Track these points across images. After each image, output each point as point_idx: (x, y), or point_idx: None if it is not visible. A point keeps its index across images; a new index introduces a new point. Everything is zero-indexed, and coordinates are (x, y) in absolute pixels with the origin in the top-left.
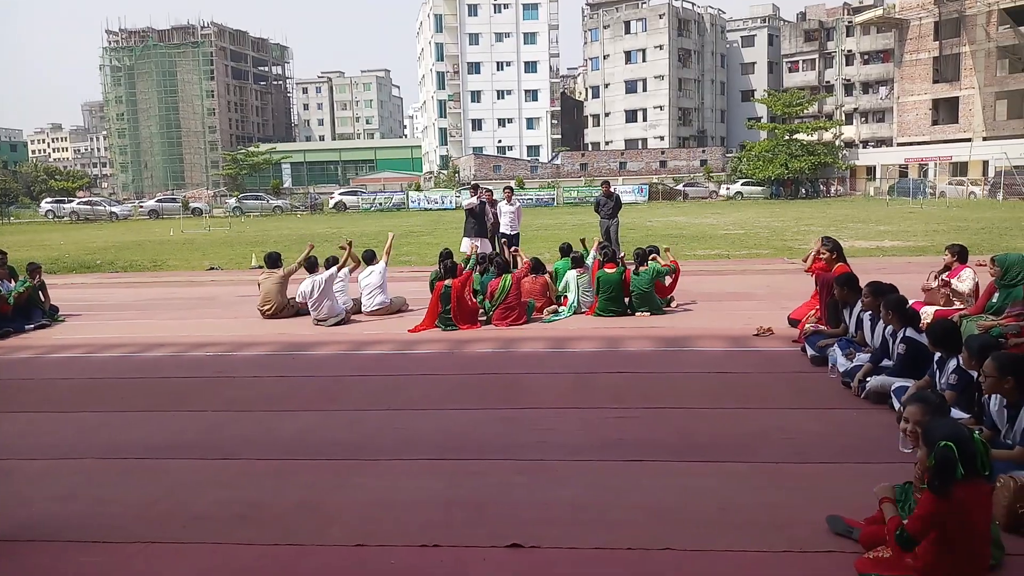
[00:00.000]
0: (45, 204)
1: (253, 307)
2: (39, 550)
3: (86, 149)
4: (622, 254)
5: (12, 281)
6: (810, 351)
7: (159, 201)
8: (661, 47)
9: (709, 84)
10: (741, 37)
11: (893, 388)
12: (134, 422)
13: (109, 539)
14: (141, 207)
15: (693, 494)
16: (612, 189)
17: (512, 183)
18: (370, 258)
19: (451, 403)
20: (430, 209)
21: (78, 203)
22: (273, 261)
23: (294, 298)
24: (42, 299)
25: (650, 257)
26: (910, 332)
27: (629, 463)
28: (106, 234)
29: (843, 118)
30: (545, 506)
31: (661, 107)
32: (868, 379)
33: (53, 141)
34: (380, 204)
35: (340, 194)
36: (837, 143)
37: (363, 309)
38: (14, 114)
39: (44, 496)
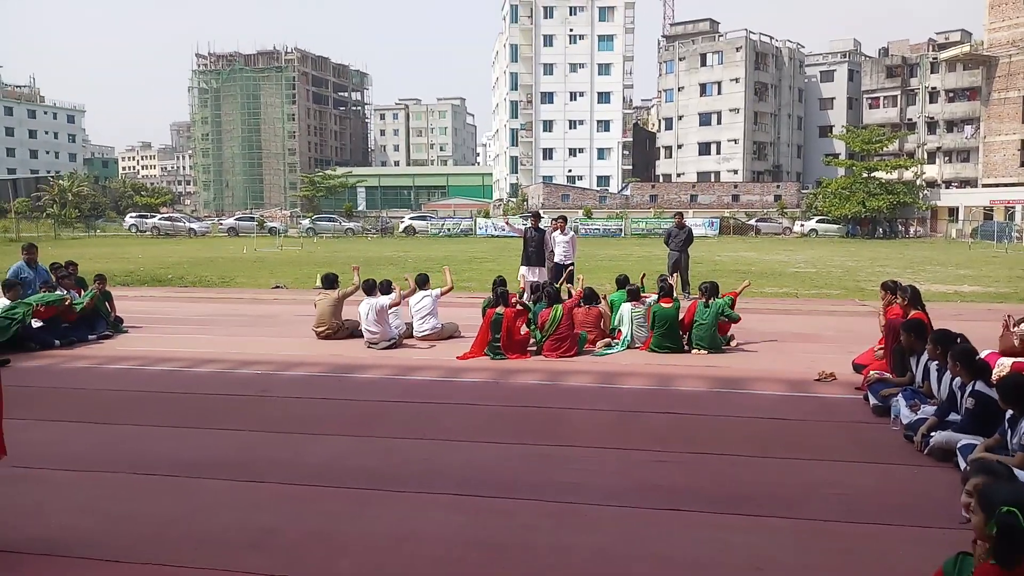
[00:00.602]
0: (129, 219)
1: (310, 327)
2: (47, 565)
3: (172, 167)
4: (688, 291)
5: (80, 292)
6: (872, 400)
7: (238, 219)
8: (737, 80)
9: (786, 118)
10: (820, 72)
11: (959, 445)
12: (167, 437)
13: (119, 558)
14: (220, 224)
15: (727, 550)
16: (684, 221)
17: (580, 212)
18: (423, 282)
19: (486, 435)
20: (497, 236)
21: (159, 218)
22: (330, 282)
23: (350, 319)
24: (108, 309)
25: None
26: (980, 386)
27: (663, 511)
28: (183, 249)
29: (925, 157)
30: (567, 552)
31: (735, 140)
32: (932, 434)
33: (142, 159)
34: (448, 230)
35: (410, 218)
36: (918, 182)
37: (415, 333)
38: (107, 132)
39: (62, 508)
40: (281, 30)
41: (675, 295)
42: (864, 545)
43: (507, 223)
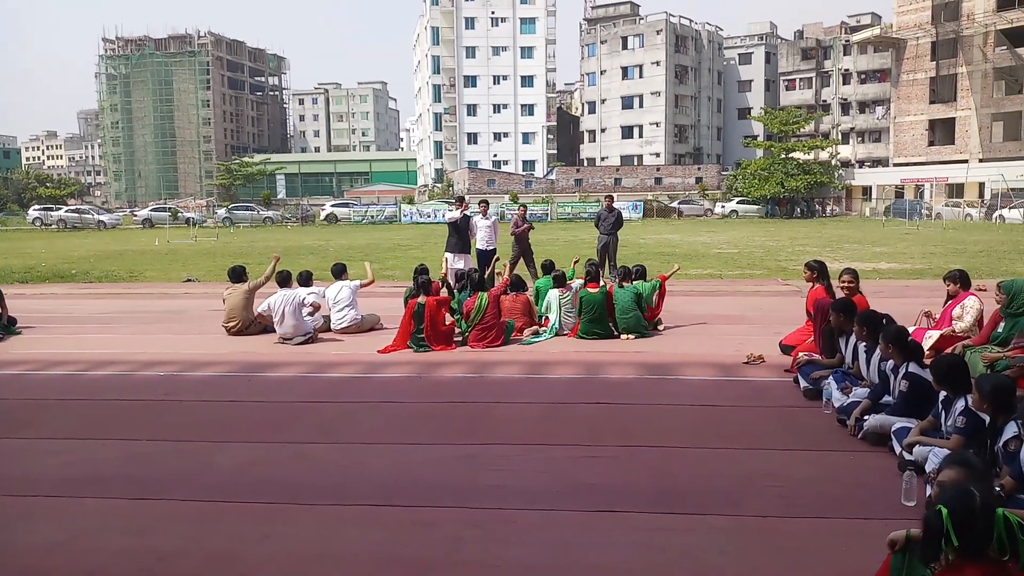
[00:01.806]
0: (32, 212)
1: (219, 323)
2: None
3: (80, 157)
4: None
5: None
6: (803, 383)
7: (152, 210)
8: (658, 63)
9: (706, 101)
10: (738, 55)
11: (894, 429)
12: (56, 451)
13: None
14: (134, 216)
15: (666, 555)
16: (614, 204)
17: (506, 197)
18: (339, 272)
19: (408, 436)
20: (423, 223)
21: (66, 211)
22: (237, 275)
23: (261, 314)
24: None
25: (636, 277)
26: (913, 367)
27: (596, 514)
28: (90, 243)
29: (839, 137)
30: (495, 568)
31: (657, 123)
32: (866, 418)
33: (48, 148)
34: (372, 217)
35: (332, 206)
36: (833, 163)
37: (332, 327)
38: (9, 121)
39: None
40: (193, 13)
41: (602, 280)
42: (807, 542)
43: (458, 208)
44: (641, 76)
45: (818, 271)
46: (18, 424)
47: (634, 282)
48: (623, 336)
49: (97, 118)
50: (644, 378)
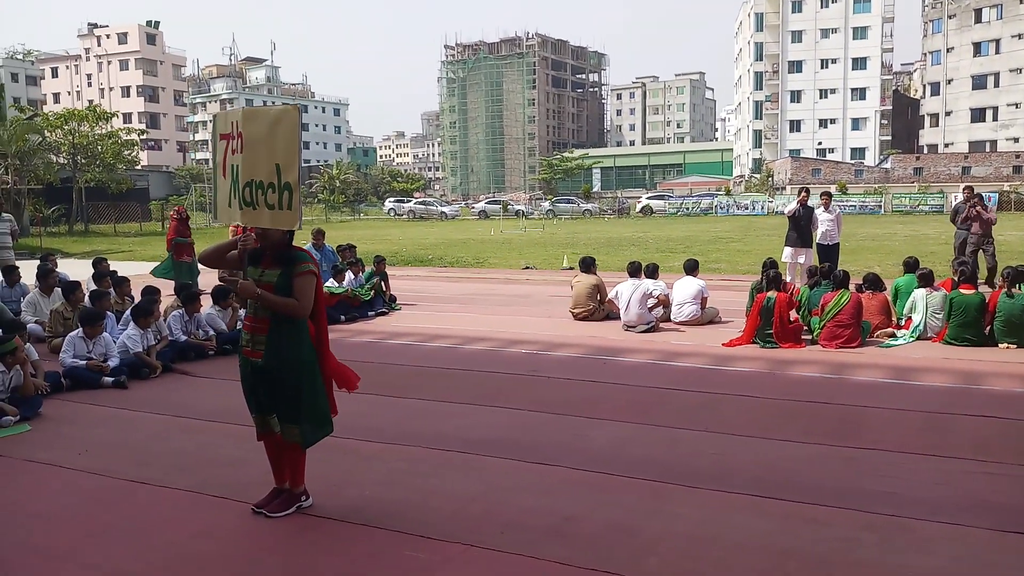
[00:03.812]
0: (388, 203)
1: (564, 307)
2: (367, 535)
3: (423, 154)
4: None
5: (360, 271)
6: None
7: (487, 203)
8: (1020, 36)
9: None
10: None
11: None
12: (453, 413)
13: (430, 535)
14: (472, 208)
15: None
16: (974, 195)
17: (832, 188)
18: (691, 268)
19: (774, 431)
20: (739, 214)
21: (415, 203)
22: (587, 265)
23: (606, 302)
24: (384, 289)
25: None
26: None
27: (1010, 535)
28: (437, 231)
29: None
30: (903, 574)
31: (1017, 105)
32: None
33: (397, 147)
34: (687, 209)
35: (647, 198)
36: None
37: (672, 318)
38: (367, 124)
39: (372, 480)
40: (522, 15)
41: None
42: None
43: (801, 201)
44: (998, 52)
45: None
46: (415, 388)
47: (1022, 287)
48: (1001, 345)
49: (437, 119)
50: None
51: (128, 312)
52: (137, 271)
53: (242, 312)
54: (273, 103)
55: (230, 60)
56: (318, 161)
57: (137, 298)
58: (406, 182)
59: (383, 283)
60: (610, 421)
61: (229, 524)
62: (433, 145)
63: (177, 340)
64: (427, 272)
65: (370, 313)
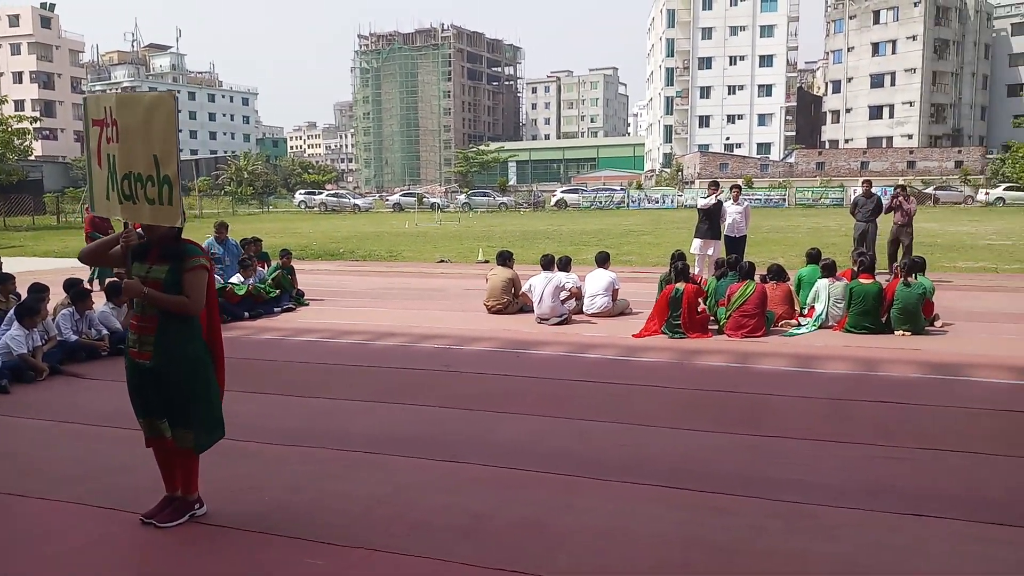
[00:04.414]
0: (298, 195)
1: (479, 301)
2: (265, 544)
3: (335, 146)
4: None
5: (265, 265)
6: None
7: (402, 195)
8: (914, 38)
9: (969, 77)
10: (1011, 24)
11: None
12: (362, 411)
13: (333, 540)
14: (386, 200)
15: (1001, 567)
16: (872, 189)
17: (739, 181)
18: (602, 260)
19: (684, 422)
20: (650, 208)
21: (326, 195)
22: (504, 259)
23: (520, 295)
24: (291, 284)
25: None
26: None
27: (907, 517)
28: (349, 225)
29: None
30: (806, 561)
31: (911, 103)
32: None
33: (308, 138)
34: (600, 203)
35: (562, 192)
36: None
37: (584, 310)
38: (277, 113)
39: (275, 485)
40: (438, 7)
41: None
42: None
43: (714, 193)
44: (894, 52)
45: None
46: (322, 386)
47: (918, 277)
48: (897, 332)
49: (351, 109)
50: (930, 378)
51: (12, 311)
52: (29, 267)
53: None
54: (178, 92)
55: (132, 46)
56: (225, 152)
57: (24, 296)
58: (318, 174)
59: (290, 278)
60: (522, 415)
61: (117, 536)
62: (346, 136)
63: (67, 340)
64: (338, 266)
65: (276, 309)
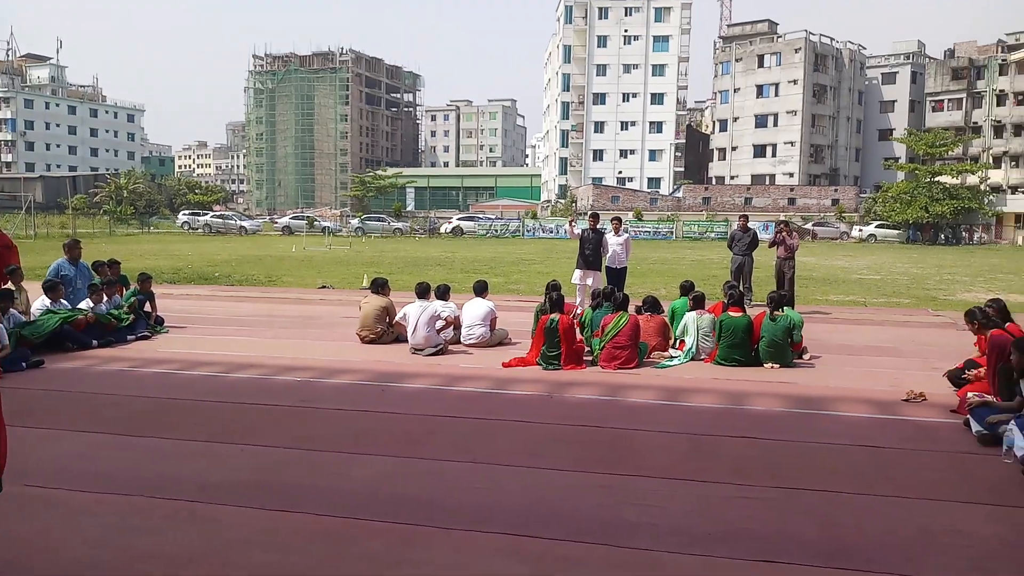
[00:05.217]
0: (182, 216)
1: (354, 329)
2: None
3: (227, 166)
4: (751, 297)
5: (122, 291)
6: (975, 426)
7: (292, 218)
8: (795, 82)
9: (844, 121)
10: (882, 74)
11: None
12: (195, 454)
13: None
14: (274, 223)
15: None
16: (749, 224)
17: (630, 215)
18: (480, 290)
19: (544, 460)
20: (544, 237)
21: (211, 216)
22: (379, 286)
23: (399, 322)
24: (147, 310)
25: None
26: None
27: (757, 564)
28: (233, 247)
29: (991, 161)
30: None
31: (792, 143)
32: None
33: (198, 158)
34: (496, 231)
35: (458, 219)
36: (983, 188)
37: (462, 340)
38: (166, 131)
39: (75, 540)
40: (336, 31)
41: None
42: None
43: (572, 223)
44: (777, 95)
45: (980, 320)
46: (157, 425)
47: (784, 311)
48: (767, 365)
49: (243, 130)
50: (794, 412)
51: None
52: None
53: None
54: (57, 105)
55: (7, 55)
56: (107, 169)
57: None
58: (204, 194)
59: (149, 304)
60: (374, 456)
61: None
62: (238, 157)
63: None
64: (211, 291)
65: (130, 338)
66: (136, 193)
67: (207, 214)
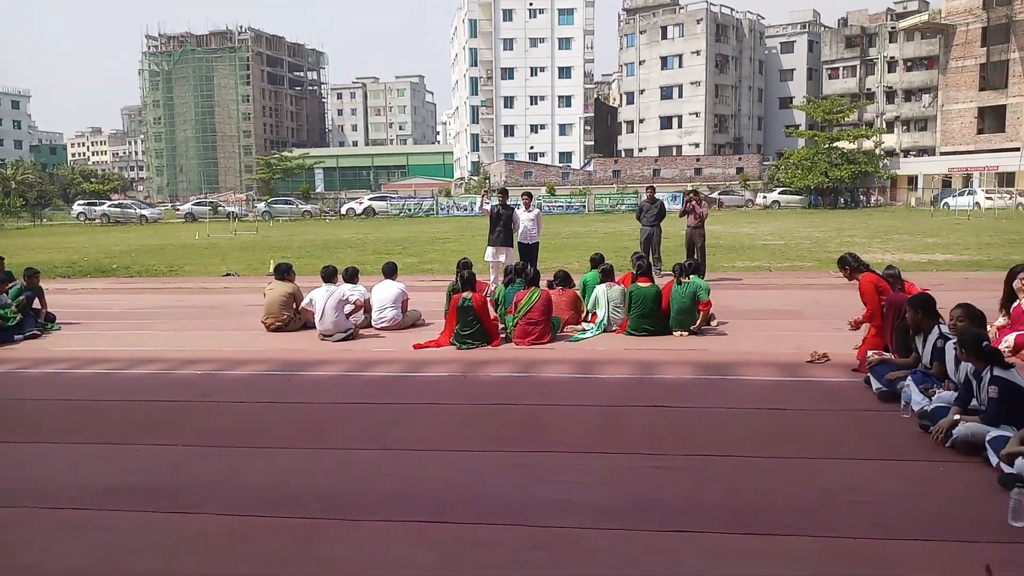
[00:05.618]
0: (77, 207)
1: (259, 318)
2: None
3: (124, 153)
4: (660, 267)
5: (6, 288)
6: (876, 384)
7: (194, 204)
8: (698, 53)
9: (746, 91)
10: (780, 43)
11: (989, 438)
12: (87, 457)
13: None
14: (176, 210)
15: None
16: (656, 195)
17: (542, 189)
18: (390, 271)
19: (457, 442)
20: (459, 215)
21: (109, 206)
22: (282, 272)
23: (305, 308)
24: (36, 307)
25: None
26: (998, 371)
27: (669, 534)
28: (132, 237)
29: (884, 126)
30: None
31: (697, 114)
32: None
33: (93, 144)
34: (409, 210)
35: (369, 200)
36: (878, 152)
37: (373, 324)
38: (56, 118)
39: None
40: (233, 9)
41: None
42: (908, 569)
43: (484, 197)
44: (681, 66)
45: (852, 264)
46: (43, 428)
47: (691, 278)
48: (676, 333)
49: (140, 114)
50: (702, 379)
51: None
52: None
53: None
54: None
55: None
56: None
57: None
58: (101, 183)
59: (38, 300)
60: (279, 449)
61: None
62: (136, 142)
63: None
64: (108, 284)
65: (17, 337)
66: (25, 184)
67: (104, 204)
